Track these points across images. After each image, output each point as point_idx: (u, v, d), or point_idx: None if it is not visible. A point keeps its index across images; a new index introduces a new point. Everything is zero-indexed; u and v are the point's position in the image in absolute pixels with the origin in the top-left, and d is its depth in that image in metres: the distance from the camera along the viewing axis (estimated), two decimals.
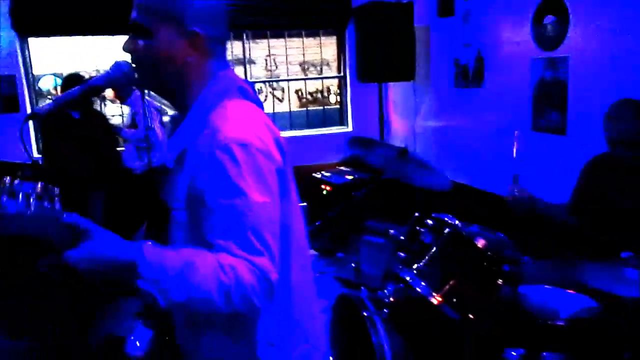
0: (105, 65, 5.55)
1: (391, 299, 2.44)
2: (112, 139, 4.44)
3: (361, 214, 3.58)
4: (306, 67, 8.97)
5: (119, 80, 1.24)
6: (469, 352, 2.17)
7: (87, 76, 4.73)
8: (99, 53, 5.62)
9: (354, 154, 2.84)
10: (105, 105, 5.84)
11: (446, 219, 2.33)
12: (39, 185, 0.86)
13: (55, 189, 0.89)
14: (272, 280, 1.08)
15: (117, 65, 1.24)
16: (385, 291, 2.50)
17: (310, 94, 10.50)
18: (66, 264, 0.92)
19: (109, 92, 5.90)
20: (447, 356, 2.21)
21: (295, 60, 6.37)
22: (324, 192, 4.93)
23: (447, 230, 2.26)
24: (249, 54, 5.97)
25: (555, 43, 3.36)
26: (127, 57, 1.25)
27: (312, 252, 5.07)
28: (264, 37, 6.15)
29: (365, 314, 2.33)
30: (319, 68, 8.78)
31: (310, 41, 6.69)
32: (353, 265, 3.30)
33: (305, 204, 5.36)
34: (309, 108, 7.21)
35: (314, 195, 5.16)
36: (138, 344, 1.18)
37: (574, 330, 2.12)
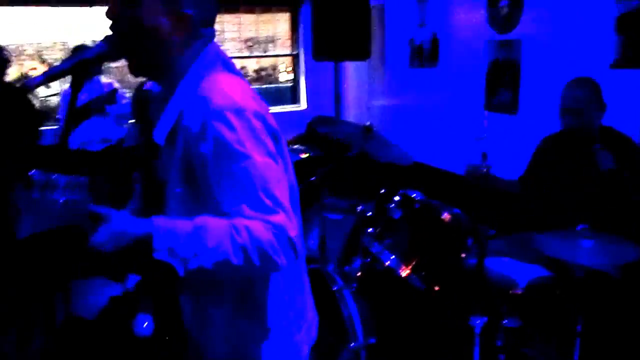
0: (72, 37, 5.41)
1: (359, 274, 2.51)
2: (32, 113, 4.31)
3: (321, 191, 3.62)
4: (251, 44, 8.85)
5: (109, 54, 1.21)
6: (436, 321, 2.27)
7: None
8: (58, 24, 5.46)
9: (317, 132, 2.86)
10: (48, 86, 5.61)
11: (414, 195, 2.40)
12: (72, 178, 0.87)
13: (83, 179, 0.89)
14: (291, 237, 1.07)
15: (107, 39, 1.21)
16: (353, 266, 2.57)
17: (256, 71, 10.38)
18: (91, 250, 0.92)
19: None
20: (415, 326, 2.31)
21: (241, 37, 6.31)
22: None
23: (416, 205, 2.34)
24: None
25: (509, 26, 3.49)
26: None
27: None
28: None
29: (334, 288, 2.38)
30: (264, 45, 8.69)
31: (253, 17, 6.62)
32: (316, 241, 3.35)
33: None
34: (257, 86, 7.14)
35: None
36: (146, 325, 1.18)
37: (531, 298, 2.27)
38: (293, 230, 1.08)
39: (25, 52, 6.03)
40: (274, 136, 1.17)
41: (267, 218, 1.06)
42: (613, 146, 2.54)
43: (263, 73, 10.34)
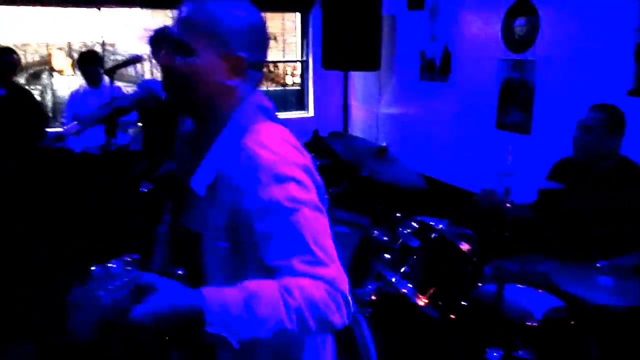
0: (71, 37, 5.50)
1: (372, 298, 2.49)
2: (38, 115, 4.32)
3: (331, 206, 3.60)
4: None
5: (146, 100, 1.19)
6: (451, 352, 2.26)
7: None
8: (64, 25, 5.44)
9: (328, 146, 2.83)
10: (52, 76, 5.59)
11: (431, 223, 2.39)
12: (128, 259, 0.84)
13: (136, 255, 0.87)
14: (344, 292, 1.03)
15: (145, 85, 1.19)
16: (366, 289, 2.55)
17: None
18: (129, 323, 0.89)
19: (57, 65, 5.60)
20: (429, 356, 2.30)
21: None
22: None
23: (433, 235, 2.33)
24: None
25: (525, 46, 3.47)
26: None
27: None
28: None
29: None
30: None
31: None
32: None
33: None
34: (263, 88, 7.11)
35: None
36: None
37: (546, 330, 2.25)
38: (344, 284, 1.04)
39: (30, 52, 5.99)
40: (318, 188, 1.16)
41: (317, 272, 1.02)
42: (627, 177, 2.52)
43: (266, 71, 10.25)
